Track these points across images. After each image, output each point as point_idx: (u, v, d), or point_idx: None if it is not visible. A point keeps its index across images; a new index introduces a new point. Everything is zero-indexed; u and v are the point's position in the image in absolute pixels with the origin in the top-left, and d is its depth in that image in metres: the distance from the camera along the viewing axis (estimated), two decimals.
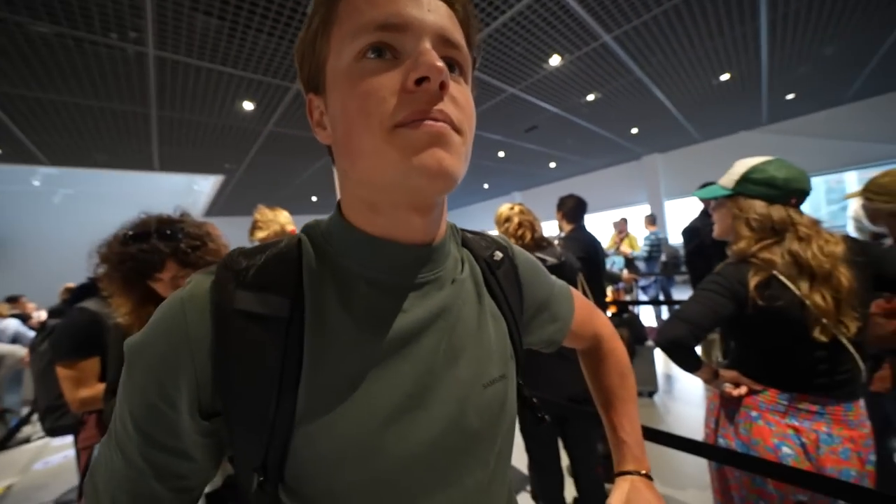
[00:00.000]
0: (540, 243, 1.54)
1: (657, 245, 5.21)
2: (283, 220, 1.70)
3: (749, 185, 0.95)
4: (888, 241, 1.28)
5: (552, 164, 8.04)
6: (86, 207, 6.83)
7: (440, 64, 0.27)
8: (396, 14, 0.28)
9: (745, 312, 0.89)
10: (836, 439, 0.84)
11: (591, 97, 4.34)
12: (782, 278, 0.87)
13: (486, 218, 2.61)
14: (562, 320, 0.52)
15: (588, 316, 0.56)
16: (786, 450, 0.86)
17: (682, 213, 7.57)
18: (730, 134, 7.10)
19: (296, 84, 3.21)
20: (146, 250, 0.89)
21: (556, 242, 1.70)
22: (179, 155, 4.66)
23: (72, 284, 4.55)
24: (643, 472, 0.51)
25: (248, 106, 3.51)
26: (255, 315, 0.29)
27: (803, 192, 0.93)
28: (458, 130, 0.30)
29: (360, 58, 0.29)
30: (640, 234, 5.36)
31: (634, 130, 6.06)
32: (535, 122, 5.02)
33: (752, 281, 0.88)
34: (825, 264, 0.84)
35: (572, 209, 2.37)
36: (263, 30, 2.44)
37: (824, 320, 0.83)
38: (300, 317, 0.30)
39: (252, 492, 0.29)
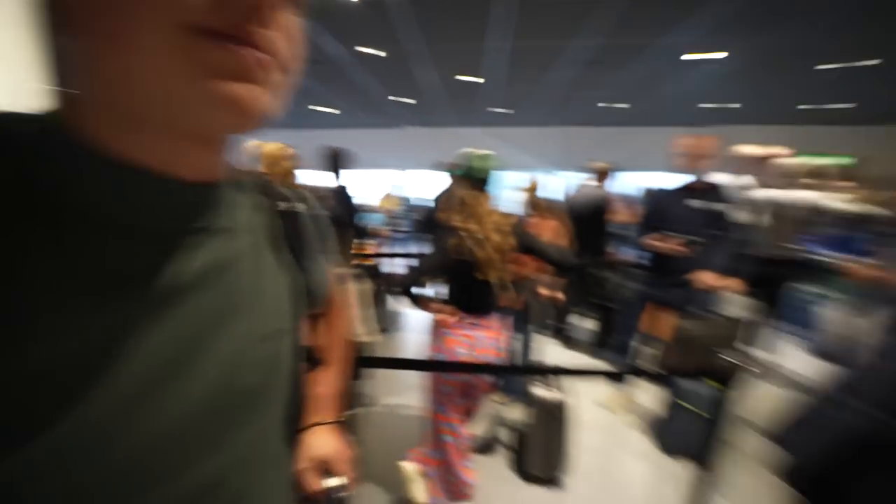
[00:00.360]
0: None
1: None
2: None
3: (464, 171, 1.46)
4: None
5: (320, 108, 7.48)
6: None
7: None
8: None
9: (448, 262, 1.34)
10: (485, 338, 1.39)
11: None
12: (466, 240, 1.31)
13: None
14: (324, 286, 0.51)
15: (333, 283, 0.58)
16: (459, 350, 1.37)
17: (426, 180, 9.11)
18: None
19: None
20: None
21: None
22: None
23: None
24: (328, 419, 0.58)
25: None
26: None
27: (482, 180, 1.40)
28: (284, 65, 0.25)
29: None
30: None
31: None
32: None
33: (451, 240, 1.32)
34: (485, 231, 1.31)
35: (335, 161, 2.42)
36: None
37: (482, 268, 1.31)
38: (9, 272, 0.21)
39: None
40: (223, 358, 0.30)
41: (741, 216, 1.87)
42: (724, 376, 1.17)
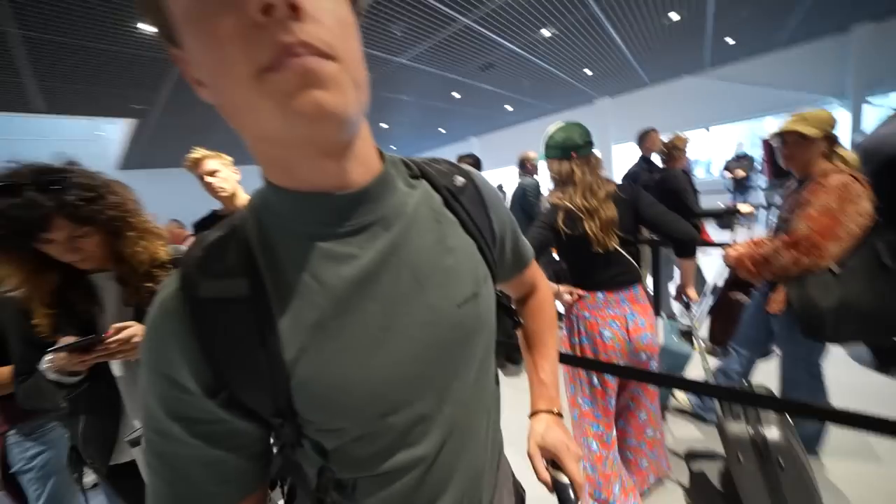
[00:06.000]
0: None
1: None
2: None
3: (548, 149, 1.28)
4: (790, 183, 1.43)
5: (508, 107, 7.83)
6: None
7: None
8: None
9: (561, 239, 1.26)
10: (636, 314, 1.26)
11: (546, 33, 4.13)
12: (576, 212, 1.22)
13: None
14: (525, 258, 0.56)
15: (535, 266, 0.61)
16: (606, 333, 1.24)
17: (626, 157, 7.92)
18: (675, 78, 7.28)
19: None
20: (21, 205, 0.73)
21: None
22: (69, 92, 3.84)
23: None
24: (555, 410, 0.57)
25: (149, 28, 2.87)
26: (221, 300, 0.32)
27: (577, 147, 1.24)
28: (330, 56, 0.26)
29: (197, 4, 0.25)
30: None
31: (588, 72, 5.98)
32: (490, 60, 4.75)
33: (559, 217, 1.24)
34: (590, 203, 1.21)
35: (473, 167, 2.50)
36: None
37: (596, 239, 1.21)
38: (261, 289, 0.32)
39: (277, 430, 0.34)
40: (421, 319, 0.36)
41: None
42: None
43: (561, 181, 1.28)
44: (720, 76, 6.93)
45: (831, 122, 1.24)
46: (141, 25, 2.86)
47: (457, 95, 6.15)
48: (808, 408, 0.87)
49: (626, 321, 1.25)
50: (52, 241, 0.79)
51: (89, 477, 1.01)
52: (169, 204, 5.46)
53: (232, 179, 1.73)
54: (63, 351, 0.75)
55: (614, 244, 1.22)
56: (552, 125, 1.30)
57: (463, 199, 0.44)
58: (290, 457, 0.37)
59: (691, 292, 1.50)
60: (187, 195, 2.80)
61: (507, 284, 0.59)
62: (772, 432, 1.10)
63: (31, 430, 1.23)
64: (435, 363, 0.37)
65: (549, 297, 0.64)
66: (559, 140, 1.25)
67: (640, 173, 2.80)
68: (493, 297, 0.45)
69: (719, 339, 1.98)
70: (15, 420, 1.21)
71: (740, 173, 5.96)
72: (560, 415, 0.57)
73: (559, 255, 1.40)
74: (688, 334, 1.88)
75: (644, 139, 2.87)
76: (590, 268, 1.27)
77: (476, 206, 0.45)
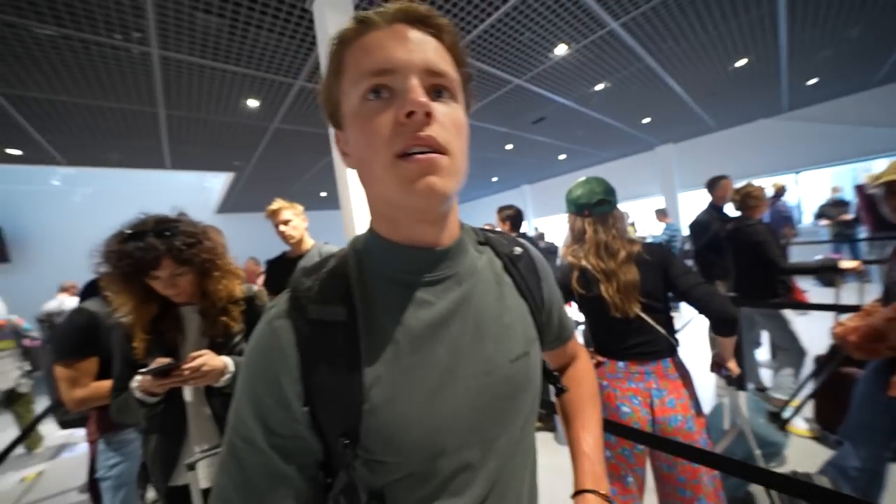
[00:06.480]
0: None
1: (674, 237, 5.12)
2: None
3: (568, 204, 1.26)
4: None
5: (562, 156, 7.88)
6: (104, 206, 7.01)
7: (422, 99, 0.34)
8: (386, 60, 0.35)
9: (575, 300, 1.20)
10: (664, 392, 1.10)
11: (599, 87, 4.22)
12: (591, 272, 1.15)
13: (493, 212, 2.81)
14: (568, 330, 0.60)
15: (576, 340, 0.64)
16: (624, 409, 1.11)
17: (694, 205, 7.37)
18: (747, 122, 6.84)
19: (299, 80, 3.20)
20: (143, 248, 0.90)
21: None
22: (189, 153, 4.74)
23: (69, 282, 4.68)
24: (602, 492, 0.50)
25: (252, 103, 3.54)
26: (323, 322, 0.38)
27: (590, 205, 1.20)
28: (445, 151, 0.35)
29: (363, 100, 0.36)
30: (653, 228, 5.23)
31: (646, 120, 5.88)
32: (542, 114, 4.92)
33: (573, 276, 1.19)
34: (606, 264, 1.14)
35: (514, 217, 2.57)
36: (263, 26, 2.44)
37: (614, 303, 1.12)
38: (354, 318, 0.38)
39: (339, 452, 0.36)
40: (478, 369, 0.40)
41: None
42: None
43: (574, 238, 1.25)
44: (803, 117, 6.35)
45: None
46: (248, 102, 3.50)
47: (509, 147, 6.39)
48: None
49: (651, 398, 1.09)
50: (158, 278, 0.94)
51: (151, 493, 1.09)
52: (250, 243, 6.23)
53: (301, 227, 1.97)
54: (149, 374, 0.86)
55: (636, 310, 1.12)
56: (578, 180, 1.29)
57: (520, 265, 0.50)
58: (352, 478, 0.38)
59: (732, 365, 1.30)
60: (266, 236, 3.20)
61: (549, 354, 0.61)
62: None
63: (116, 441, 1.36)
64: (486, 412, 0.40)
65: (591, 370, 0.65)
66: (574, 196, 1.23)
67: (711, 222, 2.58)
68: (539, 358, 0.48)
69: (828, 423, 1.63)
70: (105, 430, 1.35)
71: (846, 217, 5.17)
72: (608, 498, 0.50)
73: (581, 315, 1.32)
74: (777, 416, 1.54)
75: (714, 187, 2.68)
76: (608, 334, 1.17)
77: (530, 273, 0.51)
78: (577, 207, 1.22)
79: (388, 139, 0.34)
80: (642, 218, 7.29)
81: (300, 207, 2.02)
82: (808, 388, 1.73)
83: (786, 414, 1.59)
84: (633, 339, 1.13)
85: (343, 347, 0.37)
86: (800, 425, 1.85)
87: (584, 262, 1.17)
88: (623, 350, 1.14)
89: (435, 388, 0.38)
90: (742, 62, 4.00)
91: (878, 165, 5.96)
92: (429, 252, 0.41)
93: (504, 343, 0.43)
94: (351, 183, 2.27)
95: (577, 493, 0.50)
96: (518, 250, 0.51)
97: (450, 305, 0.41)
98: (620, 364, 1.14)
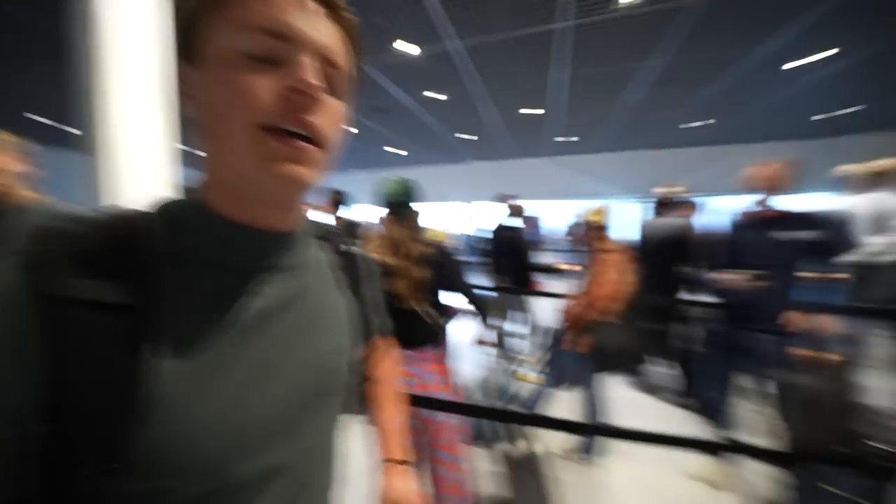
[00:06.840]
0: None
1: (478, 238, 6.29)
2: None
3: (378, 198, 1.31)
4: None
5: (392, 150, 8.20)
6: None
7: (315, 82, 0.30)
8: (285, 24, 0.30)
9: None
10: (427, 374, 1.26)
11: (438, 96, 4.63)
12: (387, 267, 1.22)
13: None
14: (382, 329, 0.63)
15: (383, 320, 0.68)
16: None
17: (492, 213, 9.26)
18: (528, 157, 9.10)
19: None
20: None
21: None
22: None
23: None
24: (403, 459, 0.61)
25: None
26: (95, 304, 0.28)
27: (391, 204, 1.27)
28: (323, 145, 0.32)
29: (241, 55, 0.30)
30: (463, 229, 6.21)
31: (463, 136, 6.89)
32: (385, 106, 5.02)
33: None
34: (399, 262, 1.22)
35: (337, 201, 2.76)
36: None
37: (404, 297, 1.22)
38: (147, 303, 0.30)
39: (88, 480, 0.27)
40: (302, 364, 0.38)
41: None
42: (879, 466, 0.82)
43: (378, 232, 1.31)
44: (559, 161, 9.01)
45: (603, 215, 1.92)
46: None
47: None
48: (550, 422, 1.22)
49: (422, 379, 1.26)
50: None
51: None
52: None
53: (9, 169, 1.26)
54: None
55: (422, 305, 1.24)
56: (388, 177, 1.32)
57: (351, 263, 0.50)
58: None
59: (489, 340, 1.80)
60: None
61: (364, 347, 0.65)
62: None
63: None
64: (300, 409, 0.38)
65: (394, 361, 0.72)
66: (382, 192, 1.29)
67: (502, 230, 3.29)
68: (358, 353, 0.49)
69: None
70: None
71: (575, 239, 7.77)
72: (407, 462, 0.61)
73: None
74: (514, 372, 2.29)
75: (505, 202, 3.42)
76: (396, 323, 1.31)
77: (359, 272, 0.52)
78: (383, 203, 1.29)
79: (260, 105, 0.29)
80: (451, 219, 8.56)
81: (10, 139, 1.27)
82: (542, 351, 2.49)
83: (520, 369, 2.31)
84: (414, 328, 1.26)
85: (119, 340, 0.29)
86: (533, 376, 2.66)
87: (380, 257, 1.22)
88: (407, 339, 1.23)
89: (248, 384, 0.34)
90: (527, 111, 5.27)
91: (593, 205, 9.24)
92: (269, 236, 0.37)
93: (332, 339, 0.43)
94: (123, 120, 1.16)
95: (382, 461, 0.60)
96: (352, 248, 0.52)
97: (282, 295, 0.38)
98: (405, 351, 1.25)
